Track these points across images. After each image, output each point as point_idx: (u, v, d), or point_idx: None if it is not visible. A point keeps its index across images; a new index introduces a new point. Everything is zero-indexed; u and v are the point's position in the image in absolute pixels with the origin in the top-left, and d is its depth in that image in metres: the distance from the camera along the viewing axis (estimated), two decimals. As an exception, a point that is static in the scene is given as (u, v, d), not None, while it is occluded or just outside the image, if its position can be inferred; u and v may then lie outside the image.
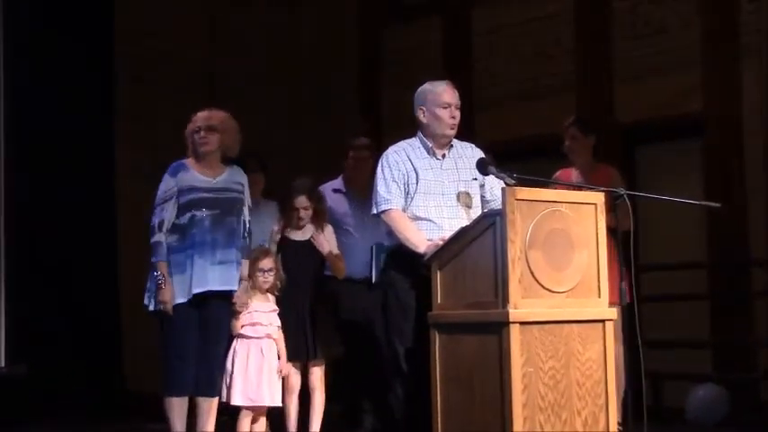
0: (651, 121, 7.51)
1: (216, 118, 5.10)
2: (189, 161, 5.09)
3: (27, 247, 7.30)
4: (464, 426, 4.11)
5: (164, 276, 4.89)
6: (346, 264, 5.57)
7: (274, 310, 5.26)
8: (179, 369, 4.93)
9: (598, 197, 4.28)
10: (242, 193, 5.13)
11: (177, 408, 4.95)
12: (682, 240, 7.33)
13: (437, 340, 4.23)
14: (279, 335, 5.25)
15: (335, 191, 5.93)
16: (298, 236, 5.47)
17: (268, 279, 5.24)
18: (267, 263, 5.24)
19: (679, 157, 7.47)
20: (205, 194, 5.00)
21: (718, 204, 4.70)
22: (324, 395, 5.43)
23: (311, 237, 5.44)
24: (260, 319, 5.20)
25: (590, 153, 5.70)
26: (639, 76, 7.55)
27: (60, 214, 7.38)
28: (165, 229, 4.94)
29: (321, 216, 5.49)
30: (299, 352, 5.33)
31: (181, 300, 4.92)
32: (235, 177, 5.14)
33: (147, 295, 5.00)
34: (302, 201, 5.43)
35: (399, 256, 4.54)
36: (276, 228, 5.51)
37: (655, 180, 7.34)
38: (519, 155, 7.54)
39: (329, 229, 5.53)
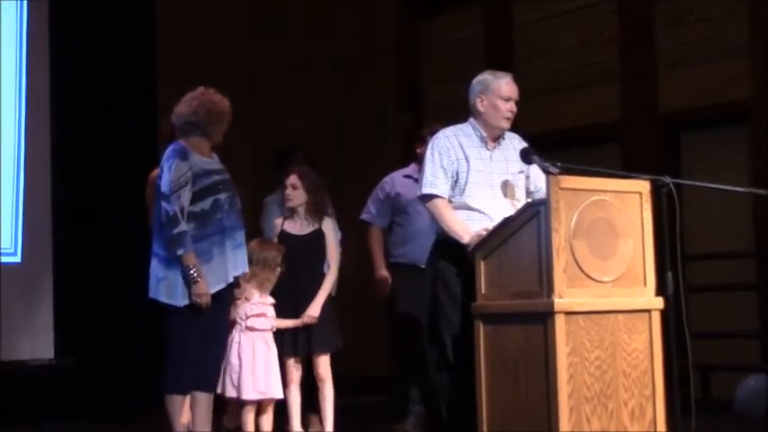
0: (696, 110, 7.42)
1: None
2: (187, 144, 4.78)
3: (76, 244, 7.41)
4: (509, 416, 4.09)
5: (196, 267, 4.61)
6: (411, 250, 5.55)
7: (273, 303, 5.22)
8: (186, 366, 4.70)
9: (643, 185, 4.24)
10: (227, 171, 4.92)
11: (180, 406, 4.74)
12: (728, 229, 7.23)
13: (481, 331, 4.21)
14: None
15: (406, 177, 5.80)
16: (296, 229, 5.47)
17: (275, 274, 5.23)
18: (278, 256, 5.22)
19: (724, 145, 7.38)
20: (218, 177, 4.77)
21: (765, 192, 4.64)
22: (332, 387, 5.39)
23: None
24: (265, 311, 5.16)
25: None
26: (683, 64, 7.47)
27: (107, 213, 7.46)
28: (185, 216, 4.64)
29: (319, 209, 5.43)
30: (299, 347, 5.33)
31: (214, 289, 4.66)
32: (216, 158, 4.92)
33: (163, 290, 4.71)
34: (292, 179, 5.43)
35: (447, 245, 4.50)
36: (278, 220, 5.53)
37: (699, 169, 7.25)
38: (562, 145, 7.48)
39: (327, 222, 5.48)
